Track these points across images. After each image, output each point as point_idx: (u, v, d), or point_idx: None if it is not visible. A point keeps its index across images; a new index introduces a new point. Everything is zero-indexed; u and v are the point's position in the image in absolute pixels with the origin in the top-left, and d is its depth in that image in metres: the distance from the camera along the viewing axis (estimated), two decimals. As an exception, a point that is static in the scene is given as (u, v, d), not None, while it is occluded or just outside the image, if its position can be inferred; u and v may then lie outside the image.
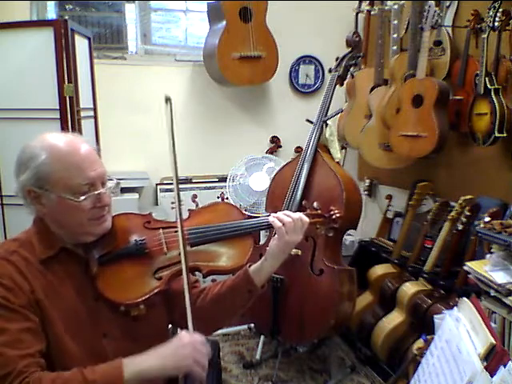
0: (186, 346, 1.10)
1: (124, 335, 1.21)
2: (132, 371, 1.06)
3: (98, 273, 1.18)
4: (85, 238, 1.19)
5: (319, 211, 1.44)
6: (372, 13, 3.03)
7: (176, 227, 1.23)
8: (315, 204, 1.45)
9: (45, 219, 1.19)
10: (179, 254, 1.20)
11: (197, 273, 1.28)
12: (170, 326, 1.41)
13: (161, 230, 1.28)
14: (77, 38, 2.46)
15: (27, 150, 1.16)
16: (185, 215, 1.32)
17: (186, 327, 1.37)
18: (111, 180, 1.23)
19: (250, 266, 1.32)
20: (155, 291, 1.19)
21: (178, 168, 1.20)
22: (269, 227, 1.35)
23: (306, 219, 1.33)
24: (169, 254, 1.25)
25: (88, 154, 1.17)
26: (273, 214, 1.34)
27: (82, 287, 1.18)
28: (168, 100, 1.16)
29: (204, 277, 1.27)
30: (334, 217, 1.44)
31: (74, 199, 1.13)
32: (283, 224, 1.29)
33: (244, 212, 1.44)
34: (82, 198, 1.14)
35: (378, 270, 2.75)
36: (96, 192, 1.16)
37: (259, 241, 2.76)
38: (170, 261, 1.24)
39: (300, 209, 2.26)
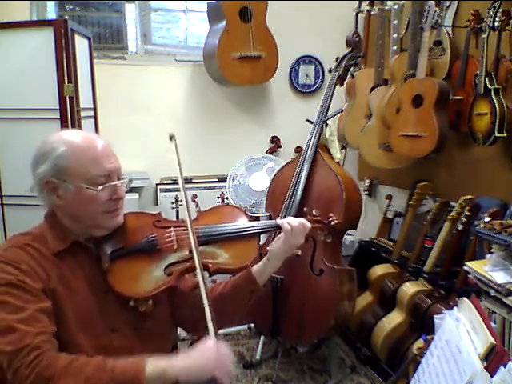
0: (211, 349, 1.10)
1: (131, 330, 1.23)
2: (154, 367, 1.05)
3: (110, 267, 1.20)
4: (97, 231, 1.22)
5: (318, 218, 1.51)
6: (372, 13, 3.03)
7: (186, 226, 1.27)
8: (314, 211, 1.53)
9: (58, 213, 1.22)
10: (189, 252, 1.25)
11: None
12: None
13: (172, 228, 1.31)
14: (77, 38, 2.46)
15: (45, 144, 1.20)
16: (192, 216, 1.35)
17: (189, 327, 1.42)
18: (124, 178, 1.27)
19: (251, 266, 1.36)
20: (165, 287, 1.22)
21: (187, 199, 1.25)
22: (276, 229, 1.41)
23: (308, 224, 1.40)
24: (179, 252, 1.28)
25: (104, 148, 1.22)
26: (279, 219, 1.41)
27: (93, 281, 1.20)
28: (172, 137, 1.22)
29: (210, 275, 1.30)
30: (332, 223, 1.52)
31: (92, 188, 1.16)
32: (291, 226, 1.35)
33: (249, 214, 1.48)
34: (100, 187, 1.17)
35: (378, 269, 2.75)
36: (112, 183, 1.20)
37: (259, 241, 2.76)
38: (180, 258, 1.27)
39: (300, 212, 2.27)
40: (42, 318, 1.06)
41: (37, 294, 1.09)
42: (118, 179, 1.23)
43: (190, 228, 1.21)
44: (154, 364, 1.05)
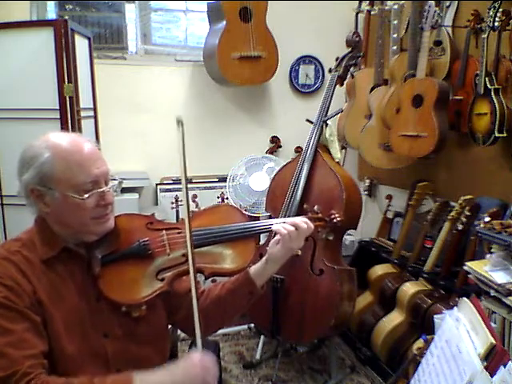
0: (196, 365, 1.09)
1: (125, 335, 1.21)
2: None
3: (101, 273, 1.17)
4: (88, 237, 1.19)
5: (320, 215, 1.46)
6: (372, 13, 3.03)
7: (179, 228, 1.24)
8: (316, 207, 1.47)
9: (47, 219, 1.19)
10: (182, 255, 1.21)
11: (198, 274, 1.28)
12: (169, 326, 1.41)
13: (164, 231, 1.28)
14: (77, 37, 2.46)
15: (30, 150, 1.16)
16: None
17: (187, 329, 1.38)
18: (114, 179, 1.23)
19: (250, 267, 1.33)
20: (158, 292, 1.19)
21: (187, 186, 1.20)
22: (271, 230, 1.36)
23: (311, 225, 1.33)
24: (172, 255, 1.25)
25: (91, 152, 1.17)
26: (276, 222, 1.34)
27: (84, 287, 1.18)
28: (180, 122, 1.16)
29: (206, 278, 1.27)
30: (334, 220, 1.47)
31: (78, 197, 1.13)
32: (288, 232, 1.29)
33: (246, 213, 1.43)
34: (86, 195, 1.13)
35: (378, 269, 2.75)
36: (100, 190, 1.16)
37: (259, 241, 2.76)
38: (173, 262, 1.24)
39: (300, 210, 2.26)
40: (29, 338, 1.05)
41: (23, 311, 1.06)
42: (106, 184, 1.19)
43: (187, 232, 1.16)
44: (142, 382, 1.06)
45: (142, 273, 1.21)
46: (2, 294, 1.06)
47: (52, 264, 1.15)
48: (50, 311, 1.11)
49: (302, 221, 1.32)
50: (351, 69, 2.77)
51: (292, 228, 1.29)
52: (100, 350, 1.17)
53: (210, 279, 1.31)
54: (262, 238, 2.81)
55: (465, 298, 1.20)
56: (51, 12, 3.19)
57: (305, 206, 1.52)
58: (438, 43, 2.52)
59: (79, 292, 1.17)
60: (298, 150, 3.43)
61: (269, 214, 2.59)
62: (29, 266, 1.12)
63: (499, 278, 1.65)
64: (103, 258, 1.19)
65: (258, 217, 2.97)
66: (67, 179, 1.13)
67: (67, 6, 3.22)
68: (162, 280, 1.21)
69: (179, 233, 1.25)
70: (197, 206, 3.02)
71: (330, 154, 2.47)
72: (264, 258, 1.34)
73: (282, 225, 1.31)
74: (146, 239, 1.25)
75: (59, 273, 1.16)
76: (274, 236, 1.33)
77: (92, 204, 1.15)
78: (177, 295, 1.31)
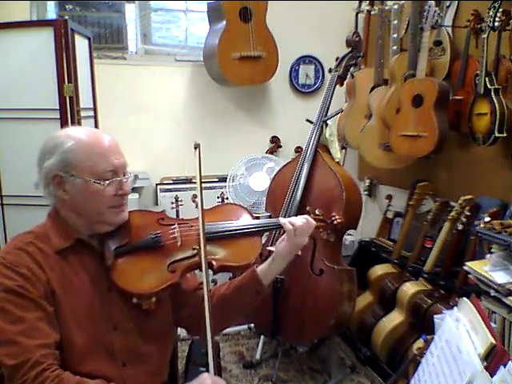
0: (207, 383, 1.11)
1: (134, 329, 1.23)
2: None
3: (113, 264, 1.20)
4: (102, 227, 1.22)
5: (321, 217, 1.51)
6: (372, 13, 3.03)
7: (190, 223, 1.30)
8: (317, 211, 1.51)
9: (63, 209, 1.21)
10: (193, 249, 1.26)
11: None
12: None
13: (176, 225, 1.31)
14: (77, 37, 2.46)
15: (51, 140, 1.20)
16: (193, 215, 1.36)
17: (190, 327, 1.42)
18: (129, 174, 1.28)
19: (256, 267, 1.36)
20: (168, 283, 1.21)
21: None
22: (278, 227, 1.41)
23: (313, 222, 1.39)
24: (183, 249, 1.28)
25: (111, 144, 1.22)
26: (282, 218, 1.40)
27: (96, 279, 1.20)
28: (197, 147, 1.22)
29: (214, 273, 1.30)
30: (335, 222, 1.52)
31: (98, 182, 1.17)
32: (293, 226, 1.34)
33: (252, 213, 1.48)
34: (107, 182, 1.18)
35: (378, 269, 2.75)
36: (119, 179, 1.21)
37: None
38: (184, 254, 1.27)
39: (301, 211, 2.27)
40: (42, 327, 1.06)
41: (36, 300, 1.08)
42: (124, 175, 1.24)
43: (201, 226, 1.22)
44: None
45: (153, 265, 1.24)
46: (18, 282, 1.08)
47: (65, 255, 1.18)
48: (63, 301, 1.13)
49: (305, 217, 1.39)
50: (351, 69, 2.77)
51: (297, 223, 1.35)
52: (108, 342, 1.18)
53: (211, 279, 1.33)
54: (263, 239, 2.81)
55: (465, 298, 1.20)
56: (51, 12, 3.19)
57: (307, 208, 1.55)
58: (437, 43, 2.52)
59: (92, 283, 1.19)
60: (298, 150, 3.43)
61: (269, 214, 2.59)
62: (43, 257, 1.14)
63: (499, 278, 1.65)
64: (116, 249, 1.22)
65: (258, 217, 2.97)
66: (89, 167, 1.17)
67: (67, 6, 3.22)
68: (173, 272, 1.23)
69: (191, 226, 1.29)
70: (196, 206, 3.02)
71: (330, 153, 2.47)
72: (271, 257, 1.38)
73: (287, 219, 1.37)
74: (159, 232, 1.28)
75: (72, 264, 1.18)
76: (275, 236, 1.36)
77: (111, 192, 1.19)
78: (183, 292, 1.35)
